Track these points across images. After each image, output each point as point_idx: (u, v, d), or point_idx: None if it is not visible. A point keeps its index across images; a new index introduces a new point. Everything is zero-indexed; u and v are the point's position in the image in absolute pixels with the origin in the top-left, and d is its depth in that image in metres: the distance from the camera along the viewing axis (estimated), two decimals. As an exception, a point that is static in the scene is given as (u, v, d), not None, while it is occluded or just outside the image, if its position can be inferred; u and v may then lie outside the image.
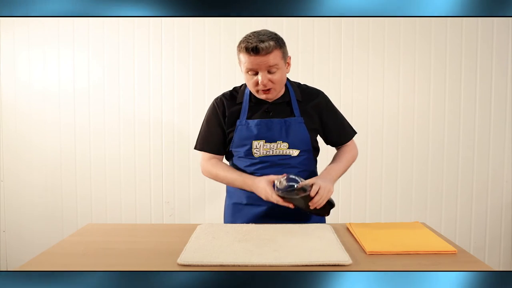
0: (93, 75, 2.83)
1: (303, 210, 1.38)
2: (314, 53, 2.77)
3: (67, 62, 2.83)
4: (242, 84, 1.60)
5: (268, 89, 1.45)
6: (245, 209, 1.56)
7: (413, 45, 2.77)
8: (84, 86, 2.83)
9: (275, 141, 1.50)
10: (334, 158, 1.61)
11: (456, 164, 2.81)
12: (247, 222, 1.49)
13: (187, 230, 1.30)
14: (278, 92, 1.50)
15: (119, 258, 1.09)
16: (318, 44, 2.77)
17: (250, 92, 1.54)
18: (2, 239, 2.92)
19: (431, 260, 1.05)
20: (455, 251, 1.10)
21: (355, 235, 1.24)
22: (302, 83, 1.62)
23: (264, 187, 1.37)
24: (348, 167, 1.60)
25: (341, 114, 1.64)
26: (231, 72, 2.76)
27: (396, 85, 2.79)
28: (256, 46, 1.36)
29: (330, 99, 1.64)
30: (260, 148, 1.50)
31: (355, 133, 1.66)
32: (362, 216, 2.81)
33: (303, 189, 1.33)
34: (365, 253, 1.10)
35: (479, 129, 2.79)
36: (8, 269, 2.85)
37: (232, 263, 1.00)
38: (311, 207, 1.34)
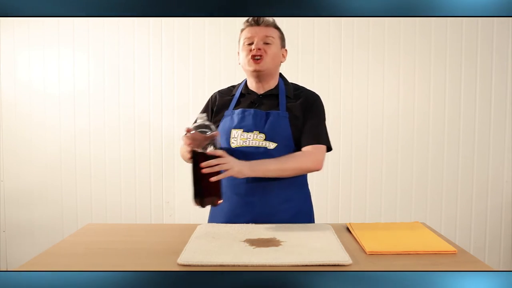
0: (93, 75, 2.83)
1: (193, 174, 1.27)
2: (314, 53, 2.77)
3: (67, 62, 2.83)
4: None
5: (260, 58, 1.48)
6: (220, 206, 1.54)
7: (413, 45, 2.77)
8: (84, 86, 2.83)
9: (252, 131, 1.48)
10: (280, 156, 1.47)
11: (456, 164, 2.81)
12: (224, 221, 1.48)
13: (187, 230, 1.30)
14: (269, 66, 1.50)
15: (119, 258, 1.09)
16: (318, 44, 2.77)
17: (244, 85, 1.58)
18: (2, 239, 2.92)
19: (431, 260, 1.05)
20: (455, 251, 1.10)
21: (355, 235, 1.24)
22: (301, 86, 1.62)
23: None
24: (289, 170, 1.44)
25: (323, 122, 1.55)
26: (231, 72, 2.76)
27: (396, 85, 2.79)
28: (258, 18, 1.51)
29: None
30: (238, 137, 1.49)
31: (327, 145, 1.51)
32: (362, 216, 2.81)
33: (211, 142, 1.26)
34: (365, 253, 1.10)
35: (479, 129, 2.79)
36: (8, 269, 2.85)
37: (232, 263, 1.00)
38: (202, 167, 1.24)
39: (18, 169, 2.88)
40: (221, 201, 1.30)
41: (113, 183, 2.85)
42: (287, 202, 1.51)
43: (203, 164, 1.25)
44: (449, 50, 2.77)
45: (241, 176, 1.33)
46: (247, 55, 1.50)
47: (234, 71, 2.75)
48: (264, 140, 1.47)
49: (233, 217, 1.49)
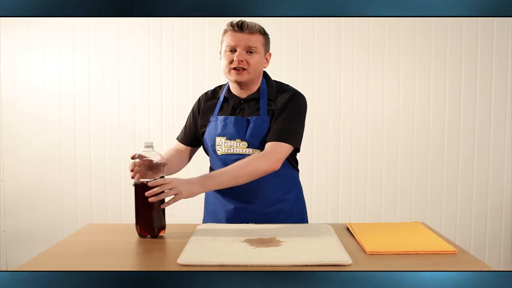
0: (93, 75, 2.83)
1: (135, 205, 1.24)
2: (314, 53, 2.77)
3: (67, 62, 2.83)
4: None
5: (241, 69, 1.44)
6: (215, 212, 1.56)
7: (413, 45, 2.77)
8: (84, 86, 2.83)
9: (235, 139, 1.48)
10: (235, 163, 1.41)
11: (456, 164, 2.80)
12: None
13: (187, 230, 1.30)
14: (250, 77, 1.46)
15: (119, 258, 1.09)
16: (318, 44, 2.77)
17: (227, 89, 1.55)
18: (2, 239, 2.92)
19: (431, 260, 1.05)
20: (455, 251, 1.10)
21: (355, 235, 1.24)
22: (286, 84, 1.57)
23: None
24: (244, 177, 1.38)
25: (296, 121, 1.48)
26: (231, 72, 2.76)
27: (396, 85, 2.79)
28: (242, 23, 1.45)
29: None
30: (222, 145, 1.49)
31: (292, 145, 1.44)
32: (362, 216, 2.81)
33: (158, 171, 1.23)
34: (365, 253, 1.10)
35: (479, 129, 2.79)
36: (8, 269, 2.85)
37: (232, 263, 1.00)
38: (143, 198, 1.20)
39: (18, 169, 2.88)
40: (164, 231, 1.27)
41: (113, 183, 2.85)
42: (278, 203, 1.52)
43: (148, 193, 1.20)
44: (449, 50, 2.77)
45: (193, 196, 1.28)
46: (228, 63, 1.46)
47: (234, 71, 2.75)
48: (247, 147, 1.47)
49: (225, 222, 1.50)
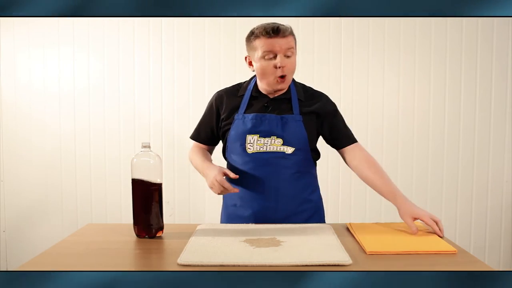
0: (93, 75, 2.83)
1: (141, 202, 1.25)
2: (314, 53, 2.77)
3: (67, 62, 2.83)
4: (246, 80, 1.58)
5: (284, 76, 1.42)
6: (238, 211, 1.53)
7: (413, 45, 2.77)
8: (84, 86, 2.83)
9: (269, 136, 1.45)
10: (376, 175, 1.47)
11: (456, 164, 2.80)
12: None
13: (187, 230, 1.30)
14: (288, 83, 1.48)
15: (119, 258, 1.09)
16: (318, 44, 2.77)
17: (253, 87, 1.52)
18: (2, 239, 2.92)
19: (431, 260, 1.05)
20: (455, 251, 1.10)
21: (355, 235, 1.24)
22: (307, 85, 1.60)
23: (215, 175, 1.39)
24: None
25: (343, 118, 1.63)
26: (231, 72, 2.76)
27: (396, 85, 2.79)
28: (278, 27, 1.38)
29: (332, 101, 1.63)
30: (254, 142, 1.46)
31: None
32: (362, 216, 2.81)
33: None
34: (365, 253, 1.10)
35: (479, 129, 2.79)
36: (8, 269, 2.85)
37: (232, 263, 1.00)
38: (149, 196, 1.25)
39: (18, 169, 2.88)
40: (162, 232, 1.28)
41: (113, 183, 2.85)
42: (305, 203, 1.53)
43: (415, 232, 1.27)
44: (449, 50, 2.77)
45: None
46: (272, 71, 1.41)
47: (234, 71, 2.75)
48: (282, 145, 1.46)
49: (254, 222, 1.47)
